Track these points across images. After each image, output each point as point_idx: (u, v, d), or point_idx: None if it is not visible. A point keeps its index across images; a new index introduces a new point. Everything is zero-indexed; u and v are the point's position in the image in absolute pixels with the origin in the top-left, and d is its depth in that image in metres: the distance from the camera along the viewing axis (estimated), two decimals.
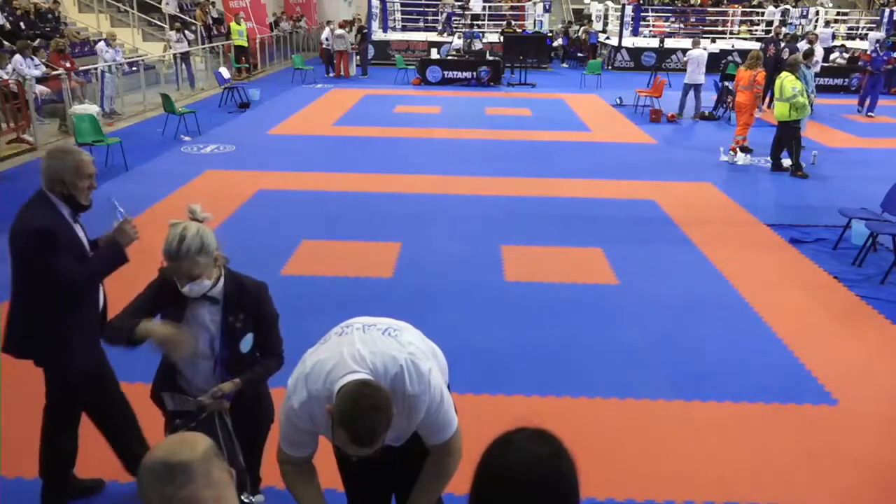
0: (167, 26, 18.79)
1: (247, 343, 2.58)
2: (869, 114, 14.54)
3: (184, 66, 16.40)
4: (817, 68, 16.70)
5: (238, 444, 2.61)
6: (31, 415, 3.91)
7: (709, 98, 14.97)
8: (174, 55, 16.23)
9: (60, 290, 2.84)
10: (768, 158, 10.45)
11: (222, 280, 2.55)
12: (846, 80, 18.79)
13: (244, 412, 2.63)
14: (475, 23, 26.21)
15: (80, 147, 9.08)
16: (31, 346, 2.98)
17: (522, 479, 1.37)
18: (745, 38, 25.36)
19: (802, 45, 14.31)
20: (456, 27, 24.70)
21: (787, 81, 9.53)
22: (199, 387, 2.54)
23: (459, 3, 25.71)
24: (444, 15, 25.08)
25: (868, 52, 16.99)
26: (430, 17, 26.29)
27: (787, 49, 14.57)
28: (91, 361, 3.04)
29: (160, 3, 19.65)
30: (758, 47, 15.07)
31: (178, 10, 19.64)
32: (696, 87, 13.97)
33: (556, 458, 1.40)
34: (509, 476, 1.38)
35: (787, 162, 9.87)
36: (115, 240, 2.95)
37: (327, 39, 20.06)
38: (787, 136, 9.75)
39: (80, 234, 2.99)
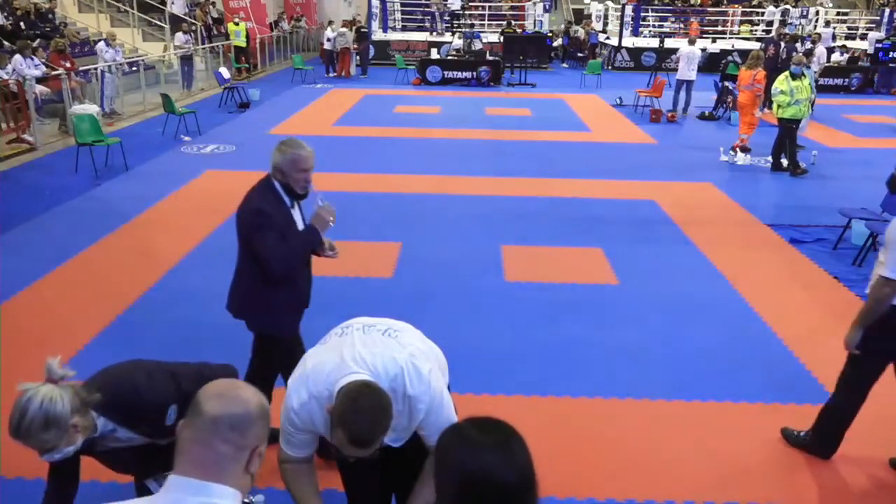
0: (167, 26, 18.79)
1: (170, 419, 2.37)
2: None
3: (185, 66, 16.40)
4: (818, 68, 16.75)
5: None
6: None
7: (709, 98, 14.99)
8: (180, 56, 16.22)
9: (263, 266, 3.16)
10: (768, 158, 10.46)
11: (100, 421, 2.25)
12: (846, 80, 18.81)
13: None
14: (475, 22, 26.24)
15: (80, 146, 9.18)
16: (244, 312, 3.37)
17: (513, 489, 1.40)
18: (745, 38, 25.36)
19: (806, 46, 14.30)
20: (456, 27, 24.71)
21: (777, 81, 9.72)
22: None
23: (444, 2, 25.71)
24: (433, 14, 25.12)
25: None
26: (426, 17, 26.29)
27: (786, 49, 14.56)
28: (291, 333, 3.39)
29: (165, 5, 19.62)
30: (758, 47, 15.07)
31: (185, 11, 19.59)
32: (688, 84, 14.18)
33: (530, 462, 1.45)
34: (501, 489, 1.39)
35: (786, 162, 9.88)
36: (313, 225, 3.28)
37: (329, 39, 20.08)
38: (782, 133, 9.81)
39: (297, 217, 3.35)
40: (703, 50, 22.20)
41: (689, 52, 14.12)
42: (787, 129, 9.73)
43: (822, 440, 3.65)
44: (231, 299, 3.44)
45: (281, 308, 3.31)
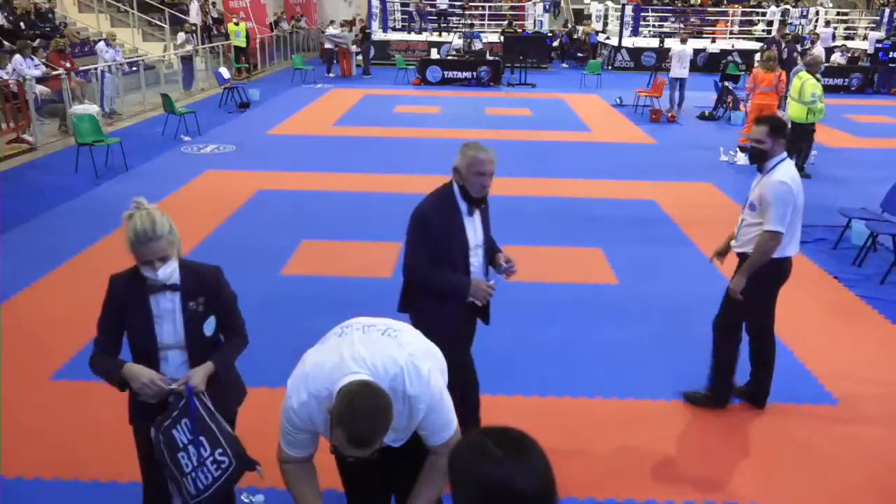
0: (167, 26, 18.79)
1: (210, 326, 2.61)
2: None
3: (185, 66, 16.40)
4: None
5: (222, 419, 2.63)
6: (31, 415, 3.92)
7: (709, 98, 14.99)
8: (181, 56, 16.22)
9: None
10: None
11: (177, 268, 2.56)
12: (846, 80, 18.82)
13: (218, 391, 2.64)
14: (475, 22, 26.24)
15: (80, 146, 9.17)
16: (409, 309, 3.35)
17: (536, 497, 1.40)
18: (746, 38, 25.36)
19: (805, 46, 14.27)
20: (444, 26, 24.75)
21: (808, 84, 9.33)
22: (173, 377, 2.54)
23: (428, 2, 25.75)
24: (419, 14, 25.19)
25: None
26: (406, 17, 26.32)
27: (787, 49, 14.57)
28: (451, 338, 3.16)
29: (186, 15, 19.62)
30: (758, 47, 15.09)
31: (200, 20, 19.56)
32: (681, 82, 14.41)
33: (548, 467, 1.44)
34: (523, 499, 1.38)
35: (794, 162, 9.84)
36: (465, 284, 3.21)
37: (333, 37, 20.09)
38: (800, 137, 9.62)
39: (472, 226, 3.25)
40: (703, 50, 22.37)
41: (680, 50, 14.41)
42: (807, 133, 9.55)
43: (718, 393, 4.09)
44: (401, 298, 3.44)
45: (438, 310, 3.24)
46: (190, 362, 2.57)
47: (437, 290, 3.22)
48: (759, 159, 3.79)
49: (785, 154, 3.80)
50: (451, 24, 25.20)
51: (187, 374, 2.54)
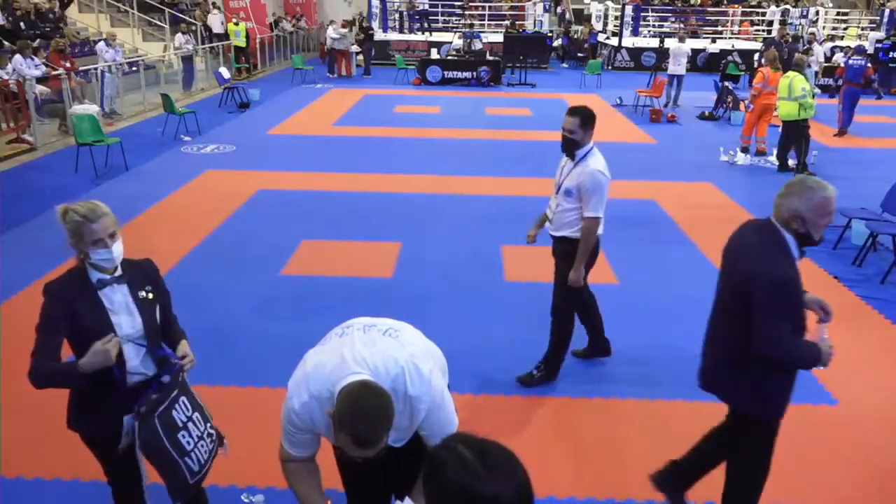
0: (167, 26, 18.79)
1: (157, 315, 2.59)
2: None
3: (186, 66, 16.40)
4: (818, 67, 16.75)
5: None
6: (31, 414, 3.92)
7: (709, 98, 14.99)
8: (182, 56, 16.21)
9: (771, 350, 2.63)
10: (767, 159, 10.46)
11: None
12: None
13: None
14: (475, 22, 26.24)
15: (80, 146, 9.17)
16: (719, 383, 3.02)
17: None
18: (746, 38, 25.35)
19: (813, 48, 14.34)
20: (427, 27, 24.78)
21: (796, 81, 9.46)
22: (137, 369, 2.51)
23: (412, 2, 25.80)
24: (409, 13, 25.26)
25: (841, 65, 15.16)
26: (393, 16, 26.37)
27: (788, 49, 14.58)
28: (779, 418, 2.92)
29: (206, 21, 19.63)
30: (759, 47, 15.13)
31: (223, 29, 19.57)
32: (678, 78, 14.99)
33: (527, 481, 1.40)
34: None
35: (793, 162, 9.85)
36: (818, 349, 2.66)
37: (332, 38, 20.08)
38: (796, 135, 9.68)
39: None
40: (703, 50, 22.38)
41: (676, 48, 15.05)
42: (802, 130, 9.63)
43: (549, 370, 4.34)
44: (706, 365, 3.06)
45: (775, 389, 2.81)
46: (150, 352, 2.53)
47: (801, 363, 2.73)
48: (571, 148, 4.15)
49: (593, 144, 4.16)
50: (432, 26, 25.20)
51: (179, 347, 2.56)
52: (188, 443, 2.48)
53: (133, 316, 2.49)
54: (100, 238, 2.38)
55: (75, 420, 2.62)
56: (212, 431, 2.62)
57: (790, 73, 9.66)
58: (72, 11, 18.56)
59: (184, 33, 16.81)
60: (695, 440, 3.87)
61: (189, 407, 2.52)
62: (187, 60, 16.19)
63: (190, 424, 2.50)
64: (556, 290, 4.24)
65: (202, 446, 2.54)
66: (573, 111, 4.11)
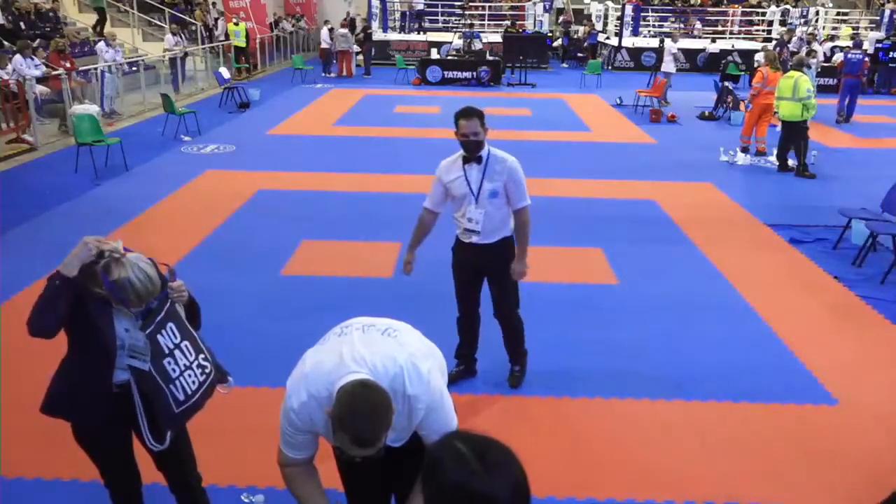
0: (167, 26, 18.79)
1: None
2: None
3: (174, 67, 16.34)
4: (818, 68, 16.72)
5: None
6: (31, 414, 3.92)
7: (709, 98, 14.99)
8: (178, 56, 16.20)
9: None
10: (767, 159, 10.46)
11: None
12: None
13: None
14: (475, 22, 26.25)
15: (80, 146, 9.17)
16: None
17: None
18: (746, 38, 25.34)
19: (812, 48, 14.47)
20: (422, 27, 24.81)
21: (801, 81, 9.41)
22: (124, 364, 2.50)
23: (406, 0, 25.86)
24: (406, 13, 25.30)
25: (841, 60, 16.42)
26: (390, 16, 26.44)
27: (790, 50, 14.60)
28: None
29: (185, 15, 19.63)
30: (759, 47, 15.15)
31: (225, 36, 19.60)
32: (668, 76, 15.54)
33: (525, 480, 1.38)
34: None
35: (792, 162, 9.84)
36: None
37: (326, 42, 20.08)
38: (797, 135, 9.65)
39: None
40: (703, 50, 22.41)
41: (668, 47, 15.81)
42: (803, 131, 9.62)
43: (524, 361, 4.35)
44: None
45: None
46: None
47: None
48: (477, 150, 3.93)
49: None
50: (425, 26, 25.22)
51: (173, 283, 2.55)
52: (173, 370, 2.45)
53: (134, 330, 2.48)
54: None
55: (69, 408, 2.61)
56: (205, 364, 2.57)
57: (793, 73, 9.61)
58: (72, 11, 18.57)
59: (174, 34, 16.77)
60: (692, 439, 3.87)
61: (177, 335, 2.50)
62: (180, 60, 16.14)
63: (177, 352, 2.48)
64: (497, 293, 4.14)
65: (189, 375, 2.50)
66: (470, 113, 3.87)
